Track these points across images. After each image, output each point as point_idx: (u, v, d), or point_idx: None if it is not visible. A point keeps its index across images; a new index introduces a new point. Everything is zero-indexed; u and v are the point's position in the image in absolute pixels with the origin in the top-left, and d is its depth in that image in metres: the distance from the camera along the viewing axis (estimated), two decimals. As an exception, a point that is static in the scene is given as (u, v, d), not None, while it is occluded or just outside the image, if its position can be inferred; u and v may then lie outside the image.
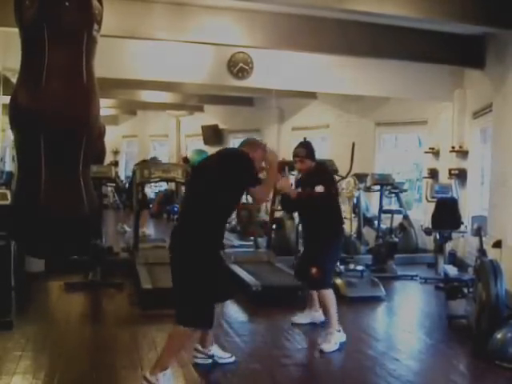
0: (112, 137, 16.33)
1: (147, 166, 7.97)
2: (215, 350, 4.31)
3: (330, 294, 4.87)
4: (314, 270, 4.78)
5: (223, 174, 3.79)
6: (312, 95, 11.53)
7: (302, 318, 5.45)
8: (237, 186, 3.84)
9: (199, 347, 4.25)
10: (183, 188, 8.70)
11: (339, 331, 4.76)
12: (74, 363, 4.34)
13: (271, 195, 7.17)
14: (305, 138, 8.93)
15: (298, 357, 4.63)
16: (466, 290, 5.68)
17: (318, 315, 5.36)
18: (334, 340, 4.68)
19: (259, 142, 4.42)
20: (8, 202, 5.48)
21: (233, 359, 4.33)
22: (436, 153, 9.83)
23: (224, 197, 3.78)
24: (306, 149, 5.30)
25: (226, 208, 3.94)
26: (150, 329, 5.14)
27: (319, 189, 4.84)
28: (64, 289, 6.64)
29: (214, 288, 3.76)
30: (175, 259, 3.80)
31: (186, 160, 10.83)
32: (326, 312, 4.95)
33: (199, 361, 4.26)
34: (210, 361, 4.26)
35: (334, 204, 5.16)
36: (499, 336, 4.50)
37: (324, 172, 5.31)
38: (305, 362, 4.50)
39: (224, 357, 4.32)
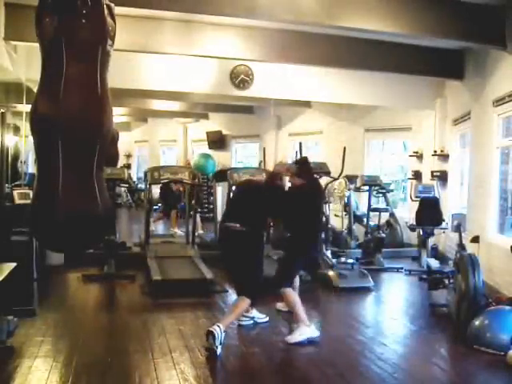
0: (125, 142, 16.36)
1: (157, 169, 7.97)
2: (254, 313, 5.08)
3: (290, 294, 4.72)
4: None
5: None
6: (307, 104, 11.52)
7: (283, 305, 5.36)
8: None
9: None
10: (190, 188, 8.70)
11: (308, 326, 4.57)
12: (90, 348, 4.33)
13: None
14: (300, 143, 8.97)
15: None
16: (446, 281, 5.67)
17: None
18: (299, 332, 4.52)
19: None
20: (29, 202, 5.50)
21: (267, 319, 5.12)
22: (419, 156, 9.82)
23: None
24: (298, 166, 5.06)
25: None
26: (159, 317, 5.14)
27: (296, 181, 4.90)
28: (81, 280, 6.63)
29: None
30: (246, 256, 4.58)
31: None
32: (292, 309, 4.76)
33: (243, 323, 4.94)
34: (251, 322, 5.02)
35: (310, 220, 4.87)
36: (477, 323, 4.49)
37: (307, 192, 4.91)
38: (300, 347, 4.48)
39: (261, 317, 5.11)
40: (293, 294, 4.78)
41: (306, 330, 4.54)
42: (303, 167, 5.06)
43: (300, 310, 4.64)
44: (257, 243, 4.66)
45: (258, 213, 4.63)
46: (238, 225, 4.52)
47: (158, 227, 11.25)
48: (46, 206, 2.44)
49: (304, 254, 4.97)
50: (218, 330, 4.13)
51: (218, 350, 4.11)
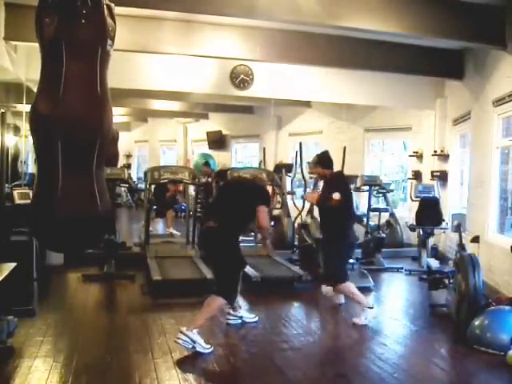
0: (125, 142, 16.37)
1: (157, 169, 7.97)
2: (243, 312, 5.06)
3: (347, 287, 5.13)
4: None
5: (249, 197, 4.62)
6: (307, 104, 11.53)
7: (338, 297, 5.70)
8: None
9: (231, 311, 4.96)
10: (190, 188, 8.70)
11: (371, 308, 5.10)
12: (90, 347, 4.33)
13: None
14: (300, 143, 8.98)
15: (295, 342, 4.61)
16: (446, 281, 5.66)
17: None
18: (364, 315, 5.02)
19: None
20: (30, 202, 5.50)
21: (256, 319, 5.04)
22: (419, 156, 9.83)
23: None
24: (317, 157, 5.37)
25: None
26: (159, 316, 5.14)
27: (335, 196, 4.96)
28: (81, 280, 6.62)
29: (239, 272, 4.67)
30: (221, 256, 4.53)
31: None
32: (353, 300, 5.25)
33: (231, 321, 4.95)
34: (239, 321, 4.97)
35: (346, 212, 5.17)
36: (477, 323, 4.49)
37: (339, 181, 5.27)
38: (301, 347, 4.48)
39: (250, 317, 5.04)
40: (350, 286, 5.13)
41: (369, 312, 5.08)
42: (321, 156, 5.37)
43: (360, 296, 5.12)
44: (229, 243, 4.54)
45: (236, 212, 4.52)
46: (212, 222, 4.49)
47: (158, 227, 11.25)
48: (45, 206, 2.44)
49: (344, 242, 5.22)
50: (184, 337, 4.12)
51: (200, 348, 4.14)
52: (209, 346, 4.20)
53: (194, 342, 4.15)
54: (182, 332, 4.14)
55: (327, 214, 5.23)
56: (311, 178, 8.74)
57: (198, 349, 4.15)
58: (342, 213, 5.08)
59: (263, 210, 4.55)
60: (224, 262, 4.49)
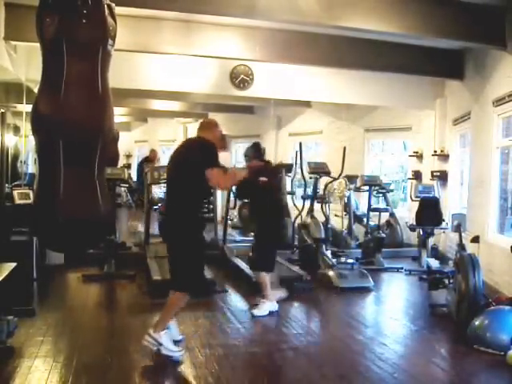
0: (125, 142, 16.35)
1: (157, 169, 7.97)
2: (164, 339, 4.03)
3: (264, 277, 5.31)
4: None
5: (192, 162, 3.92)
6: (307, 104, 11.53)
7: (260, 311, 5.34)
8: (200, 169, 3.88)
9: (151, 331, 4.02)
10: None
11: (273, 301, 5.26)
12: (90, 347, 4.33)
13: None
14: (300, 143, 8.97)
15: (294, 341, 4.62)
16: (446, 281, 5.66)
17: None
18: (265, 307, 5.25)
19: (212, 123, 4.36)
20: (30, 201, 5.51)
21: (180, 354, 4.01)
22: (419, 156, 9.83)
23: (194, 181, 3.91)
24: (252, 149, 5.38)
25: (200, 190, 4.07)
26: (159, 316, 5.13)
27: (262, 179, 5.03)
28: (81, 280, 6.62)
29: (201, 261, 4.14)
30: (171, 243, 4.07)
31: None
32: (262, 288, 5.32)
33: (146, 343, 4.02)
34: (155, 348, 4.00)
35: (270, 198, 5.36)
36: (477, 323, 4.50)
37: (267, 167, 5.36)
38: (300, 346, 4.49)
39: (173, 350, 4.02)
40: (267, 276, 5.27)
41: (270, 305, 5.27)
42: (255, 148, 5.37)
43: (268, 287, 5.24)
44: (179, 226, 3.95)
45: (177, 188, 3.92)
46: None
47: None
48: (47, 206, 2.45)
49: (270, 230, 5.41)
50: (150, 340, 3.97)
51: (166, 351, 3.97)
52: (178, 348, 4.02)
53: (160, 344, 3.95)
54: (148, 334, 3.98)
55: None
56: (311, 178, 8.74)
57: (164, 352, 3.93)
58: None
59: (213, 173, 3.82)
60: (176, 248, 3.99)
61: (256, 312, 5.23)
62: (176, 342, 4.14)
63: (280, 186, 5.55)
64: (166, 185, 4.31)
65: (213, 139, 4.08)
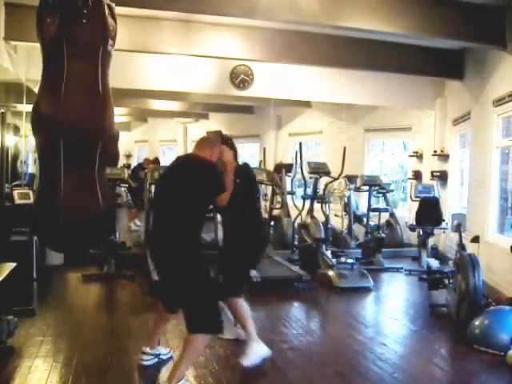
0: (125, 142, 16.36)
1: (157, 168, 7.96)
2: (160, 349, 3.99)
3: (238, 303, 4.11)
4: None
5: (192, 187, 3.49)
6: (307, 104, 11.53)
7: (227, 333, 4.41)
8: (203, 195, 3.56)
9: (147, 350, 3.89)
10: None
11: (257, 341, 4.06)
12: (90, 348, 4.33)
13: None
14: (300, 143, 8.97)
15: (295, 342, 4.62)
16: (446, 281, 5.67)
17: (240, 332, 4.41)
18: (254, 351, 4.01)
19: (213, 139, 3.87)
20: (30, 201, 5.51)
21: (171, 354, 4.03)
22: (419, 156, 9.83)
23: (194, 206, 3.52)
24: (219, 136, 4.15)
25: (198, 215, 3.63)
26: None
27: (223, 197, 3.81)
28: (81, 280, 6.63)
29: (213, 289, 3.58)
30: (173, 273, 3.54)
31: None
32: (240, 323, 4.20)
33: (146, 363, 3.88)
34: (156, 360, 3.93)
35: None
36: (477, 323, 4.50)
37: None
38: (301, 347, 4.49)
39: (165, 353, 4.01)
40: (242, 305, 4.13)
41: (259, 349, 4.03)
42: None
43: (249, 324, 4.09)
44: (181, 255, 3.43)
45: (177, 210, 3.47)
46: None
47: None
48: (47, 206, 2.45)
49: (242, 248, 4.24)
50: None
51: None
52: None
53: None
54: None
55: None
56: (311, 177, 8.74)
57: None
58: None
59: (221, 198, 3.64)
60: (183, 279, 3.45)
61: (245, 362, 3.96)
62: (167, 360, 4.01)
63: (256, 199, 4.40)
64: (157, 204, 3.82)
65: (211, 157, 3.63)
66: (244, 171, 4.20)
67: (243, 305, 4.13)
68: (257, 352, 3.99)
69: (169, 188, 3.58)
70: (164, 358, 4.00)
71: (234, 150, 4.10)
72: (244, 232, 4.20)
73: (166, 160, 16.73)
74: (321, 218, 8.13)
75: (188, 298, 3.42)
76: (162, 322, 4.00)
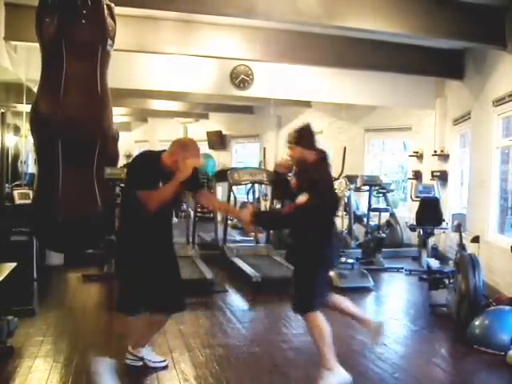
0: (125, 142, 16.31)
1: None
2: (146, 352, 3.88)
3: (316, 319, 3.59)
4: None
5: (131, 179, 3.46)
6: (307, 104, 11.52)
7: None
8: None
9: (130, 349, 3.84)
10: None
11: (331, 370, 3.45)
12: (90, 347, 4.32)
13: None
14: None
15: (295, 341, 4.61)
16: (447, 281, 5.66)
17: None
18: (330, 380, 3.43)
19: (188, 145, 3.54)
20: (30, 201, 5.50)
21: (164, 364, 3.89)
22: (420, 156, 9.83)
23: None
24: (298, 133, 3.87)
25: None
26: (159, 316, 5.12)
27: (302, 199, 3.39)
28: (81, 280, 6.62)
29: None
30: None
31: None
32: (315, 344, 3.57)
33: (129, 362, 3.84)
34: (140, 363, 3.84)
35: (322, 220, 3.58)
36: (477, 323, 4.49)
37: (319, 172, 3.65)
38: (301, 346, 4.48)
39: (155, 360, 3.89)
40: (320, 323, 3.58)
41: (331, 379, 3.42)
42: (302, 132, 3.89)
43: (326, 348, 3.48)
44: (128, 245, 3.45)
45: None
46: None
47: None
48: (46, 206, 2.44)
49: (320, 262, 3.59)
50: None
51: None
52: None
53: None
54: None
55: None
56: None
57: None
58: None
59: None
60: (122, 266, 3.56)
61: None
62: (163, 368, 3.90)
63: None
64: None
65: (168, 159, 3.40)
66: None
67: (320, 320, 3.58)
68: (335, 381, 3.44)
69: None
70: (151, 364, 3.84)
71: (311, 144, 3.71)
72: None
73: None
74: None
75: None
76: (153, 328, 3.89)
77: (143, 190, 3.24)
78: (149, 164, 3.37)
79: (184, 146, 3.46)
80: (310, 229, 3.48)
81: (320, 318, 3.57)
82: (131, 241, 3.41)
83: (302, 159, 3.70)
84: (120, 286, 3.65)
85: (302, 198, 3.35)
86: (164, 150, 3.46)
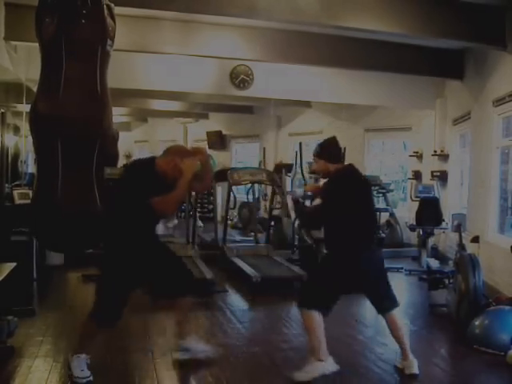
0: (125, 142, 16.29)
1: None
2: (191, 343, 3.99)
3: (310, 316, 3.78)
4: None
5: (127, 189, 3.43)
6: (307, 104, 11.53)
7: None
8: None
9: (177, 341, 3.98)
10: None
11: (321, 361, 3.70)
12: (90, 347, 4.32)
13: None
14: (300, 143, 8.98)
15: (295, 341, 4.61)
16: (446, 281, 5.66)
17: None
18: (309, 368, 3.70)
19: (181, 150, 3.72)
20: (29, 201, 5.50)
21: (209, 352, 3.99)
22: (419, 156, 9.83)
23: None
24: (320, 146, 3.95)
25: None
26: (160, 316, 5.13)
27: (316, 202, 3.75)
28: (81, 280, 6.62)
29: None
30: None
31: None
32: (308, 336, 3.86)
33: (179, 354, 3.95)
34: (187, 354, 3.93)
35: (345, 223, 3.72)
36: (477, 323, 4.49)
37: (338, 181, 3.78)
38: (301, 346, 4.48)
39: (200, 349, 3.98)
40: (314, 319, 3.78)
41: (318, 367, 3.69)
42: (325, 146, 3.97)
43: (317, 340, 3.76)
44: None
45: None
46: None
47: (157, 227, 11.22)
48: (46, 206, 2.44)
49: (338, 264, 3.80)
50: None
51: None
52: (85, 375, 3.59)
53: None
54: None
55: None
56: (311, 177, 8.74)
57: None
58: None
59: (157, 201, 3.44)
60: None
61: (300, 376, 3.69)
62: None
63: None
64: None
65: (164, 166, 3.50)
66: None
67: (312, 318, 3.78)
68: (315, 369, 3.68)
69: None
70: (196, 354, 3.93)
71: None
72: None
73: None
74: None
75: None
76: (183, 315, 4.03)
77: (147, 198, 3.34)
78: (146, 172, 3.41)
79: (178, 151, 3.58)
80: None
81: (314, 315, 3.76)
82: (129, 245, 3.63)
83: (325, 172, 3.86)
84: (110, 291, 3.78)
85: (315, 203, 3.66)
86: (154, 157, 3.54)
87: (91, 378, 3.57)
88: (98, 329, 3.71)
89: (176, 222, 10.26)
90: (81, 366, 3.60)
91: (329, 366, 3.72)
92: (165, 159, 3.48)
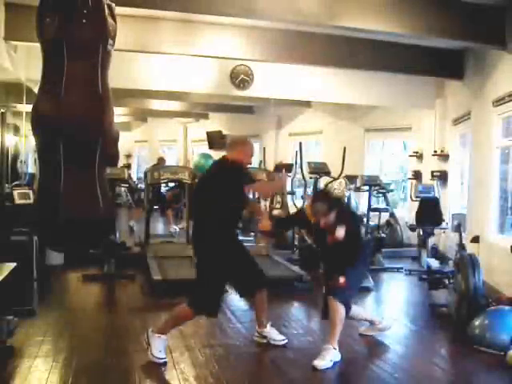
0: (125, 142, 16.36)
1: (157, 169, 7.98)
2: (269, 331, 4.46)
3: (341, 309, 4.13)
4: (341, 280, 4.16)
5: (224, 187, 4.01)
6: (307, 104, 11.53)
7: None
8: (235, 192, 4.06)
9: (256, 328, 4.48)
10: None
11: (335, 349, 4.05)
12: (90, 347, 4.33)
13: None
14: (300, 143, 8.97)
15: (295, 341, 4.61)
16: (446, 281, 5.66)
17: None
18: (329, 357, 3.99)
19: (243, 141, 4.35)
20: (30, 201, 5.51)
21: (284, 342, 4.42)
22: (419, 156, 9.83)
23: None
24: (325, 202, 4.26)
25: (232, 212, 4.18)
26: (159, 316, 5.11)
27: (341, 232, 4.09)
28: (81, 280, 6.62)
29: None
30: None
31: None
32: (332, 326, 4.16)
33: (255, 339, 4.49)
34: (264, 340, 4.42)
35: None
36: (477, 323, 4.50)
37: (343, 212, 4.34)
38: (301, 347, 4.48)
39: (276, 339, 4.43)
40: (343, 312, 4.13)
41: (335, 354, 4.05)
42: (327, 198, 4.49)
43: (338, 332, 4.10)
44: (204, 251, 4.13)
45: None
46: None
47: (158, 227, 11.25)
48: (48, 206, 2.44)
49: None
50: (145, 335, 4.06)
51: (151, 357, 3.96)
52: (162, 356, 3.95)
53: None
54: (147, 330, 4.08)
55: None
56: (311, 177, 8.75)
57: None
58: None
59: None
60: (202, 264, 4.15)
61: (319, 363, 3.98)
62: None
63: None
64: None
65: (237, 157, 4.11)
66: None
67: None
68: (333, 356, 4.04)
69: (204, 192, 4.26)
70: (272, 342, 4.37)
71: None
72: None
73: (166, 160, 16.74)
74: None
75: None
76: (261, 304, 4.49)
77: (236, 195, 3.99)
78: (231, 170, 4.02)
79: (242, 143, 4.26)
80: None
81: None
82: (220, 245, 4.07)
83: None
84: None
85: (340, 230, 4.09)
86: (223, 157, 4.20)
87: (166, 360, 3.95)
88: (194, 315, 4.08)
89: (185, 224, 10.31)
90: (160, 347, 3.97)
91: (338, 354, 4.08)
92: (235, 152, 4.10)
